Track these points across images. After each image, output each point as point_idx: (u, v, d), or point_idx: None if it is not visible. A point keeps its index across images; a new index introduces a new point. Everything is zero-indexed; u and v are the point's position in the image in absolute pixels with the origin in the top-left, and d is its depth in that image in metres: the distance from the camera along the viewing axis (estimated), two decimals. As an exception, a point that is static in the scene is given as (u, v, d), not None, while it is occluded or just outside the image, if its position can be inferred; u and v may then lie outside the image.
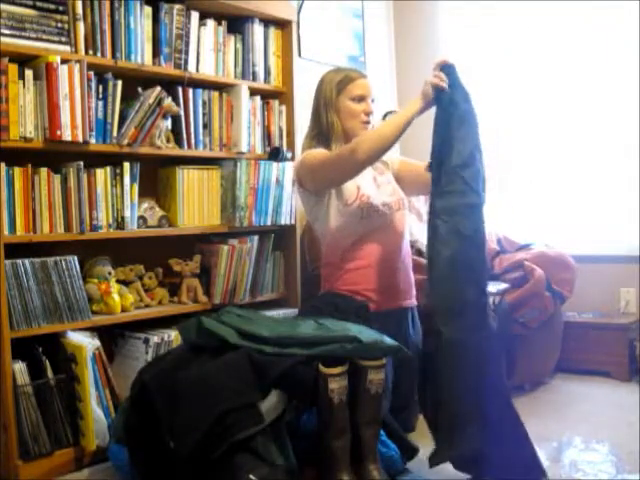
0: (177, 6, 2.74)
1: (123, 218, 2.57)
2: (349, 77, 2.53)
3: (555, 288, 3.21)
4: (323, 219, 2.52)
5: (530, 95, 3.79)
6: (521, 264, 3.23)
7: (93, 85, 2.46)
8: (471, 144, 2.17)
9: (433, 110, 2.26)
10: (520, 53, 3.81)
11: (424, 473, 2.25)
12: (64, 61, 2.35)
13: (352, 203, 2.47)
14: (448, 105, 2.19)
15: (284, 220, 3.08)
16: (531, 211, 3.81)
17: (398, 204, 2.56)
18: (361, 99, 2.52)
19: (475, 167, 2.16)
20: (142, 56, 2.64)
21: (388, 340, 2.14)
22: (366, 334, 2.10)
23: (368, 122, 2.53)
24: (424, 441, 2.44)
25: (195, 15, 2.82)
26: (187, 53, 2.79)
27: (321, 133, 2.54)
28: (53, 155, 2.42)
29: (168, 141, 2.74)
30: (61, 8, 2.37)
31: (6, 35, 2.24)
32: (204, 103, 2.88)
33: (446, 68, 2.23)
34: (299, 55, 3.45)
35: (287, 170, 3.06)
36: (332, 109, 2.51)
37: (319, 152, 2.48)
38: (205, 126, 2.88)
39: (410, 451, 2.29)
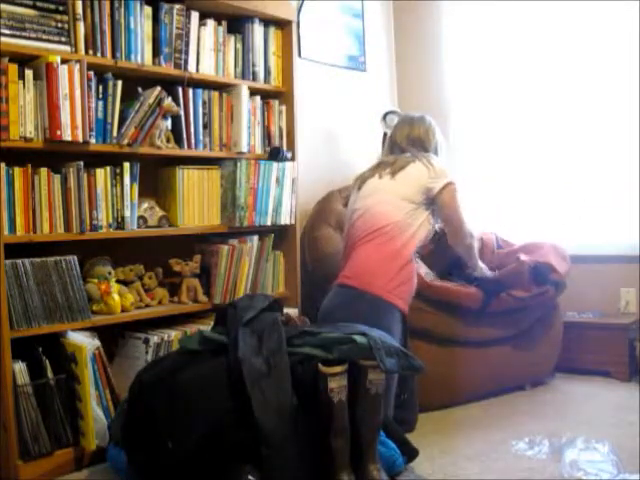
0: (177, 6, 2.74)
1: (123, 218, 2.57)
2: None
3: (543, 268, 3.13)
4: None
5: (530, 94, 3.78)
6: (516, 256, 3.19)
7: (93, 85, 2.46)
8: None
9: None
10: (520, 53, 3.80)
11: (424, 473, 2.26)
12: (64, 61, 2.35)
13: None
14: None
15: (284, 220, 3.08)
16: (531, 211, 3.80)
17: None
18: None
19: None
20: (142, 56, 2.64)
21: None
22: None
23: None
24: (424, 441, 2.44)
25: (195, 15, 2.82)
26: (187, 53, 2.79)
27: None
28: (53, 155, 2.42)
29: (168, 141, 2.74)
30: (61, 8, 2.37)
31: (6, 35, 2.24)
32: (204, 103, 2.88)
33: None
34: (299, 55, 3.45)
35: (287, 170, 3.06)
36: None
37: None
38: (205, 126, 2.88)
39: (410, 451, 2.29)
